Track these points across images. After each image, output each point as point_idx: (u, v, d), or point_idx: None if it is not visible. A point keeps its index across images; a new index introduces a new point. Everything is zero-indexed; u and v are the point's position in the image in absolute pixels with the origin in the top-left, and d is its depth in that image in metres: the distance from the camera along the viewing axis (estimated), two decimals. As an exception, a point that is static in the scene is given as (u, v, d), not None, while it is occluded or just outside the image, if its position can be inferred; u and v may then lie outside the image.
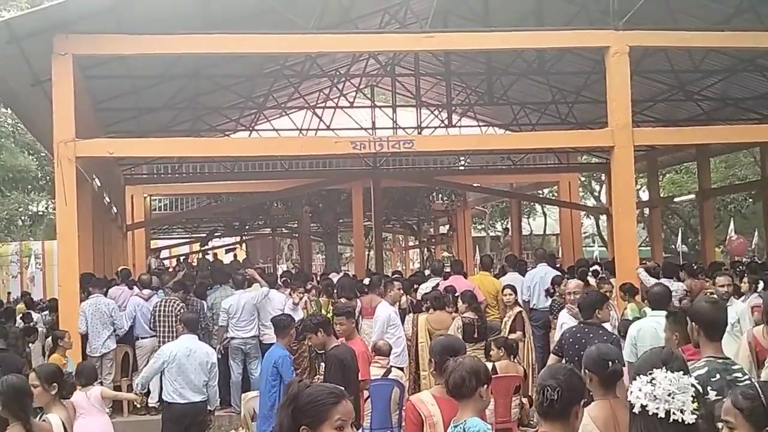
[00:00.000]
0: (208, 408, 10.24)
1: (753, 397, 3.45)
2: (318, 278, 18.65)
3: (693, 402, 3.60)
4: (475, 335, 11.30)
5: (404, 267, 45.54)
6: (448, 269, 15.25)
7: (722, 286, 10.68)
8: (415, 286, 15.06)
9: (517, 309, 12.71)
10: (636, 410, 3.59)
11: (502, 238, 34.62)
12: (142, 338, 14.34)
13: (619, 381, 5.17)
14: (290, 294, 14.61)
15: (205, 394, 10.12)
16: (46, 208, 35.92)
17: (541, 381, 4.31)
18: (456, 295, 12.49)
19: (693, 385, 3.62)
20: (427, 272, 18.75)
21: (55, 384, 6.46)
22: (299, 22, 12.35)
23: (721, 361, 5.22)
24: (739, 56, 17.86)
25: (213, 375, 10.22)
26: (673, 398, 3.54)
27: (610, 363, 5.09)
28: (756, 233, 30.97)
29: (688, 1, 15.32)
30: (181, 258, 31.69)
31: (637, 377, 3.67)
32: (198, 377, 10.05)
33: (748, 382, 4.81)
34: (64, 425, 6.18)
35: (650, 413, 3.55)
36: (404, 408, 6.08)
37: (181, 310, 13.95)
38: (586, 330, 8.28)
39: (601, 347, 5.40)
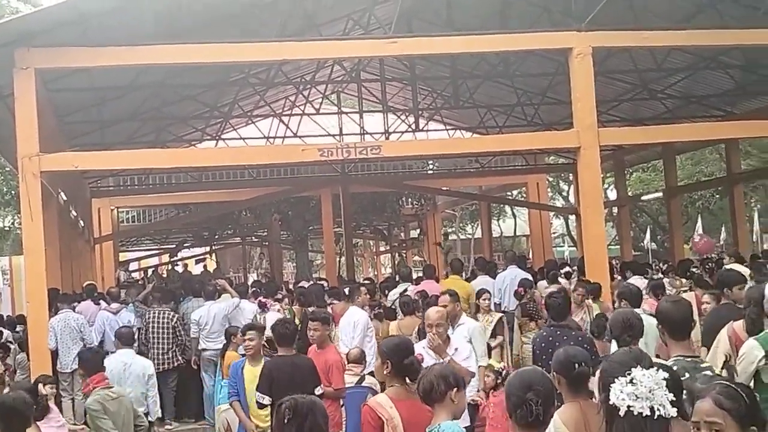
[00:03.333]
0: (149, 420, 10.25)
1: (736, 396, 3.45)
2: (288, 287, 18.60)
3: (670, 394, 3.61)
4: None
5: (376, 272, 45.55)
6: (420, 274, 15.25)
7: (708, 303, 9.71)
8: (386, 292, 15.07)
9: (498, 314, 12.70)
10: (622, 412, 3.58)
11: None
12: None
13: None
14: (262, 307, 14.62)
15: (144, 406, 10.23)
16: (12, 223, 35.54)
17: (518, 392, 4.27)
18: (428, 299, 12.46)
19: (666, 379, 3.62)
20: (397, 277, 18.79)
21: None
22: (263, 30, 12.31)
23: (690, 359, 5.24)
24: (701, 54, 18.04)
25: (151, 385, 10.44)
26: (653, 394, 3.54)
27: (577, 365, 5.10)
28: (723, 229, 31.27)
29: (649, 0, 15.42)
30: (149, 270, 31.51)
31: (616, 380, 3.66)
32: (136, 390, 10.16)
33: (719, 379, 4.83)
34: None
35: (635, 413, 3.54)
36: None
37: (177, 322, 13.93)
38: (558, 333, 8.27)
39: (568, 350, 5.40)
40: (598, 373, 4.28)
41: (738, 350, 6.65)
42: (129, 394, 9.85)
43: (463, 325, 9.48)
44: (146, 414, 10.20)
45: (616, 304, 9.89)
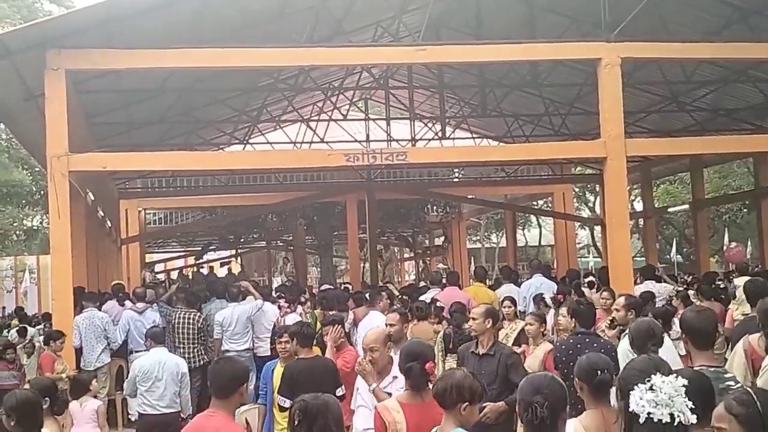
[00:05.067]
0: (181, 416, 10.54)
1: (748, 403, 3.41)
2: (312, 291, 18.70)
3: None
4: (450, 346, 11.23)
5: (400, 279, 45.52)
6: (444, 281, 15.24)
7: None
8: (404, 297, 15.10)
9: (522, 323, 12.66)
10: (641, 419, 3.58)
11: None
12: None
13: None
14: (285, 307, 14.73)
15: (177, 405, 10.52)
16: (41, 222, 35.91)
17: (526, 397, 4.29)
18: (439, 305, 12.46)
19: (685, 386, 3.62)
20: (422, 284, 18.81)
21: (47, 398, 6.44)
22: (292, 35, 12.39)
23: (713, 369, 5.23)
24: (731, 67, 17.94)
25: (184, 384, 10.63)
26: (673, 401, 3.54)
27: (599, 372, 5.11)
28: (750, 243, 31.03)
29: (679, 12, 15.39)
30: (173, 272, 31.66)
31: (635, 387, 3.67)
32: (170, 388, 10.43)
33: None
34: None
35: (655, 420, 3.55)
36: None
37: (203, 323, 14.05)
38: (586, 340, 8.26)
39: (591, 356, 5.41)
40: (616, 380, 4.30)
41: (754, 363, 6.63)
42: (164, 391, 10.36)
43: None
44: (177, 412, 10.56)
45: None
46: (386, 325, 8.52)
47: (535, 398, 4.24)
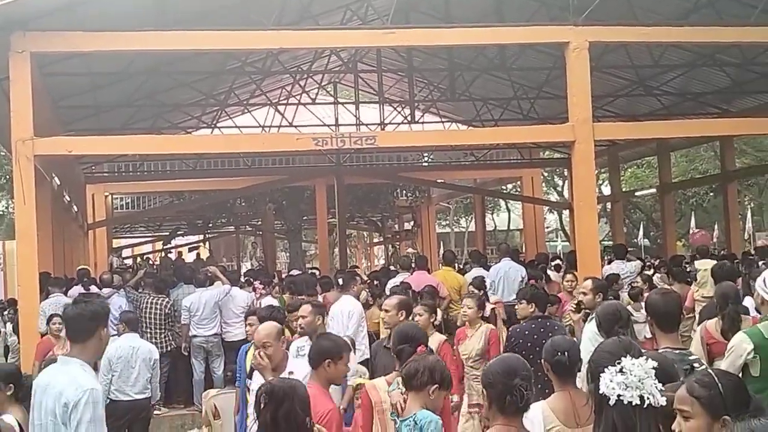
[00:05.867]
0: (151, 403, 10.73)
1: (710, 384, 3.43)
2: (281, 276, 18.65)
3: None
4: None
5: (369, 263, 45.57)
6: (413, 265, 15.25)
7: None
8: (376, 282, 15.10)
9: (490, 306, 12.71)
10: (611, 402, 3.59)
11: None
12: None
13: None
14: (260, 289, 14.74)
15: (149, 391, 10.63)
16: (6, 207, 35.55)
17: (504, 379, 4.24)
18: (412, 290, 12.46)
19: (655, 368, 3.63)
20: (391, 268, 18.82)
21: (11, 384, 6.40)
22: (260, 19, 12.29)
23: (678, 351, 5.28)
24: (698, 51, 18.06)
25: (156, 371, 10.77)
26: (643, 383, 3.56)
27: (558, 354, 5.14)
28: (716, 226, 31.33)
29: (647, -4, 15.43)
30: (139, 257, 31.50)
31: (605, 369, 3.68)
32: (143, 374, 10.54)
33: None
34: (21, 426, 6.10)
35: (625, 402, 3.56)
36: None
37: (170, 309, 14.02)
38: (547, 324, 8.30)
39: (556, 339, 5.51)
40: (585, 363, 4.31)
41: (711, 348, 6.71)
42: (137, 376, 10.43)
43: None
44: (148, 398, 10.67)
45: None
46: (299, 317, 8.20)
47: (515, 381, 4.23)
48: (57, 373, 4.98)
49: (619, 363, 3.65)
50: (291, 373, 6.44)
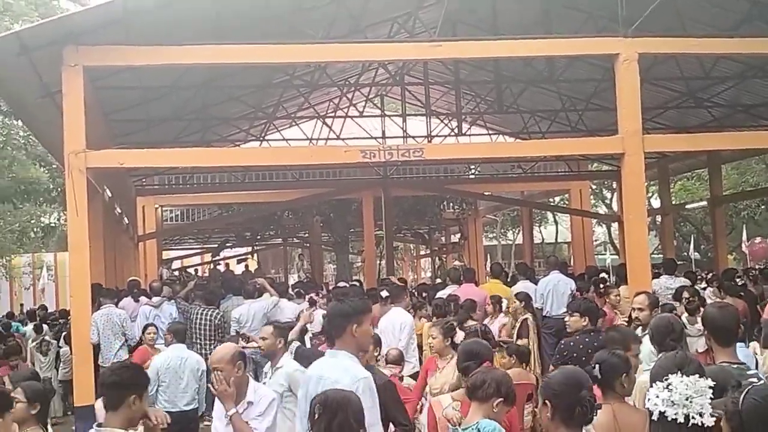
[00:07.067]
0: (199, 413, 10.75)
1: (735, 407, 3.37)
2: (328, 288, 18.72)
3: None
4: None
5: (415, 276, 45.53)
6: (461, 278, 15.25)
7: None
8: (424, 294, 15.14)
9: (523, 316, 12.67)
10: (654, 417, 3.56)
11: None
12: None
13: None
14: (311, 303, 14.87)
15: (196, 402, 10.65)
16: (58, 219, 35.93)
17: (572, 390, 4.17)
18: (459, 303, 12.46)
19: (712, 387, 3.58)
20: (437, 280, 18.83)
21: (37, 404, 6.21)
22: (309, 31, 12.37)
23: (735, 366, 5.18)
24: (749, 62, 17.82)
25: (203, 382, 10.65)
26: (691, 402, 3.51)
27: (592, 367, 5.10)
28: (768, 240, 30.90)
29: (697, 7, 15.28)
30: (187, 269, 31.78)
31: (653, 384, 3.64)
32: (190, 385, 10.55)
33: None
34: None
35: (669, 419, 3.51)
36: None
37: (220, 320, 14.12)
38: (588, 339, 8.26)
39: (602, 353, 5.43)
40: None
41: None
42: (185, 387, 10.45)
43: (281, 369, 7.54)
44: (196, 409, 10.70)
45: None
46: (260, 338, 7.92)
47: (582, 393, 4.17)
48: None
49: (666, 379, 3.61)
50: (250, 403, 6.06)
